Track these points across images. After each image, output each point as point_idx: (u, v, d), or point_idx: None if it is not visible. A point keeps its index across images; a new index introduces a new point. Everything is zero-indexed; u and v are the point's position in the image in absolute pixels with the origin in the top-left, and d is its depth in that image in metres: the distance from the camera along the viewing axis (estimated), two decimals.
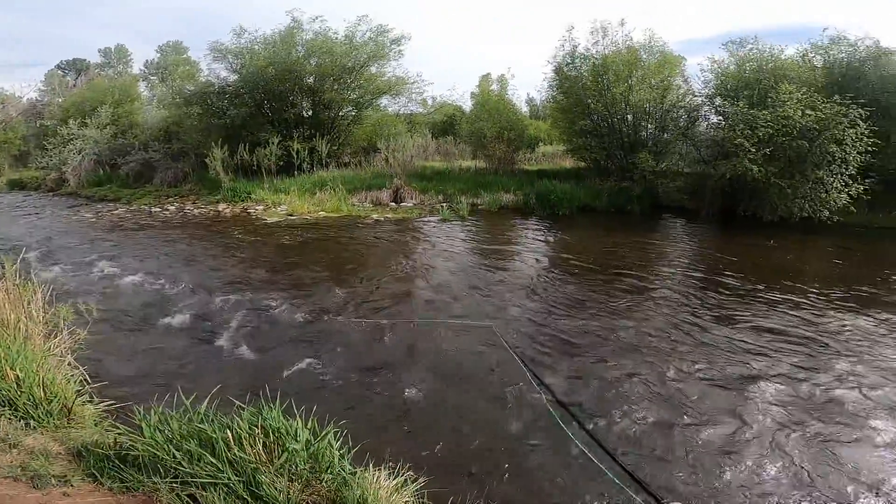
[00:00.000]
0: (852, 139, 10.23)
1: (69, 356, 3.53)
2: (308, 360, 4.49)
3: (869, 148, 10.25)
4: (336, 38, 15.32)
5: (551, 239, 10.03)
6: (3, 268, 3.59)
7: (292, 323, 5.43)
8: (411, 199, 13.33)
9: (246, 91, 15.44)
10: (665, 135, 14.17)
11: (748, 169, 10.30)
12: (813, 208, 10.44)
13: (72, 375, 3.26)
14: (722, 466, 3.12)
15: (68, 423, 2.63)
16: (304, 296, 6.25)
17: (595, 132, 14.03)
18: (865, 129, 10.19)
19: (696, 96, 13.89)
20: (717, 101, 13.06)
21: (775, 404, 3.87)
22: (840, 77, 12.48)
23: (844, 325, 5.51)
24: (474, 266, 7.79)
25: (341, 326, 5.30)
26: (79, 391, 3.09)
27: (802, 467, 3.13)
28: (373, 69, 15.86)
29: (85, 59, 39.04)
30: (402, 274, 7.37)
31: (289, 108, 15.58)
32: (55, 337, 3.59)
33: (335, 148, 15.79)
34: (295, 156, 14.27)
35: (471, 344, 4.95)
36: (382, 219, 11.54)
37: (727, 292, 6.62)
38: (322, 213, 11.94)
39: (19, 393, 2.55)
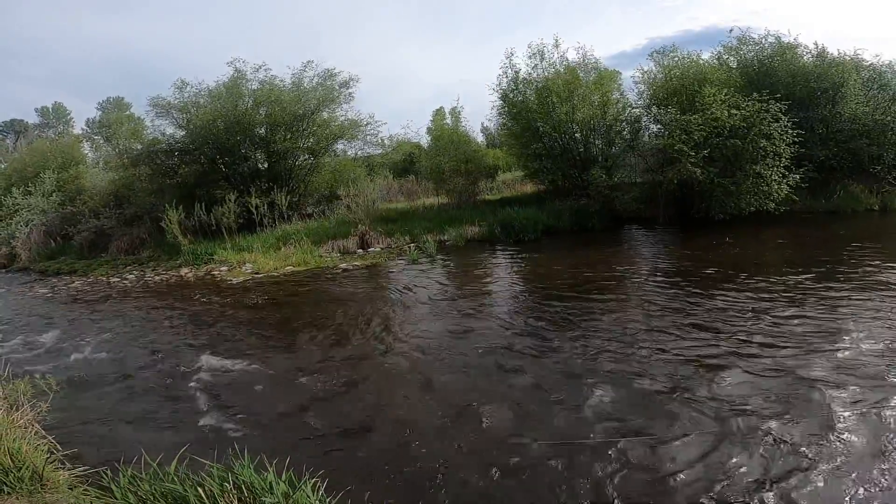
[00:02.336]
0: (779, 132, 10.96)
1: (35, 426, 3.59)
2: (277, 418, 4.30)
3: (796, 139, 10.99)
4: (283, 86, 15.42)
5: (519, 267, 10.15)
6: None
7: (258, 383, 5.23)
8: (378, 243, 13.29)
9: (196, 147, 15.11)
10: (613, 149, 14.84)
11: (692, 172, 10.84)
12: (758, 202, 11.01)
13: (38, 444, 3.30)
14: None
15: (42, 488, 2.66)
16: (269, 356, 6.06)
17: (548, 154, 14.51)
18: (788, 121, 10.95)
19: (634, 108, 14.69)
20: (654, 110, 13.82)
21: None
22: (754, 75, 13.48)
23: (808, 299, 5.72)
24: (443, 309, 7.70)
25: (309, 383, 5.13)
26: (49, 458, 3.12)
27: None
28: (324, 114, 15.92)
29: (23, 120, 38.06)
30: (369, 328, 7.24)
31: (242, 162, 15.38)
32: (16, 410, 3.67)
33: (295, 199, 15.69)
34: (255, 211, 14.10)
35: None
36: (351, 267, 11.41)
37: (693, 290, 6.81)
38: (289, 268, 11.71)
39: None
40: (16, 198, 17.19)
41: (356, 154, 18.13)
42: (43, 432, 3.54)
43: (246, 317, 8.11)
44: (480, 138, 24.77)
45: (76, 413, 4.62)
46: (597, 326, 5.93)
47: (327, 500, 2.45)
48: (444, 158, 15.71)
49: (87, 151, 23.95)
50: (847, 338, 4.93)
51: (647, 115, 14.47)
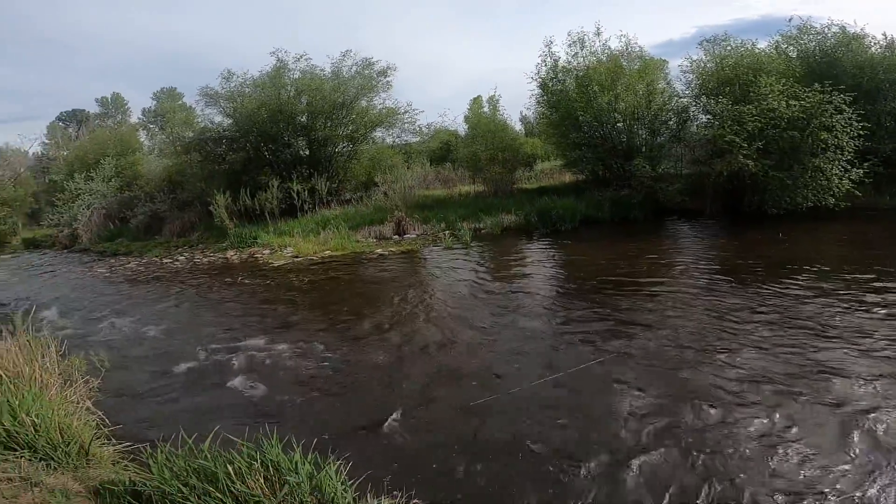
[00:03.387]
0: (841, 125, 10.26)
1: (87, 402, 3.74)
2: (312, 400, 4.47)
3: (861, 132, 10.25)
4: (323, 75, 15.74)
5: (555, 256, 10.02)
6: (14, 325, 3.76)
7: (294, 362, 5.44)
8: (414, 230, 13.41)
9: (241, 135, 15.69)
10: (658, 139, 14.31)
11: (743, 164, 10.32)
12: (816, 197, 10.37)
13: (88, 420, 3.43)
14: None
15: (87, 464, 2.78)
16: (306, 338, 6.27)
17: (588, 144, 14.15)
18: (852, 113, 10.21)
19: (681, 98, 14.09)
20: (703, 100, 13.20)
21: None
22: (816, 65, 12.63)
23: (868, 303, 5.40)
24: (479, 294, 7.73)
25: (349, 367, 5.28)
26: (96, 434, 3.25)
27: None
28: (363, 103, 16.17)
29: (84, 110, 40.30)
30: (405, 312, 7.35)
31: (285, 149, 15.89)
32: (70, 386, 3.79)
33: (335, 186, 16.06)
34: (296, 197, 14.54)
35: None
36: (387, 253, 11.59)
37: (739, 286, 6.54)
38: (327, 253, 12.04)
39: (37, 437, 2.71)
40: (78, 183, 18.41)
41: (394, 142, 18.34)
42: (93, 408, 3.69)
43: (285, 298, 8.42)
44: (519, 127, 24.39)
45: (124, 390, 4.87)
46: (639, 321, 5.80)
47: (349, 482, 2.50)
48: (480, 147, 15.61)
49: (143, 139, 25.29)
50: None
51: (695, 105, 13.87)
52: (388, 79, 16.25)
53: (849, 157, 10.34)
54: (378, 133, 17.54)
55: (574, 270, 8.57)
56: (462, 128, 21.11)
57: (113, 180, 18.74)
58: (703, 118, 13.72)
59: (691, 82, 13.99)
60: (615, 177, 14.08)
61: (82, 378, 3.97)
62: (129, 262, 13.63)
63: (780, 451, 3.11)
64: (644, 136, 14.34)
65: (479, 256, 10.51)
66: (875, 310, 5.44)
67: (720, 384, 4.09)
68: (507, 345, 5.46)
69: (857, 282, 6.36)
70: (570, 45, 14.34)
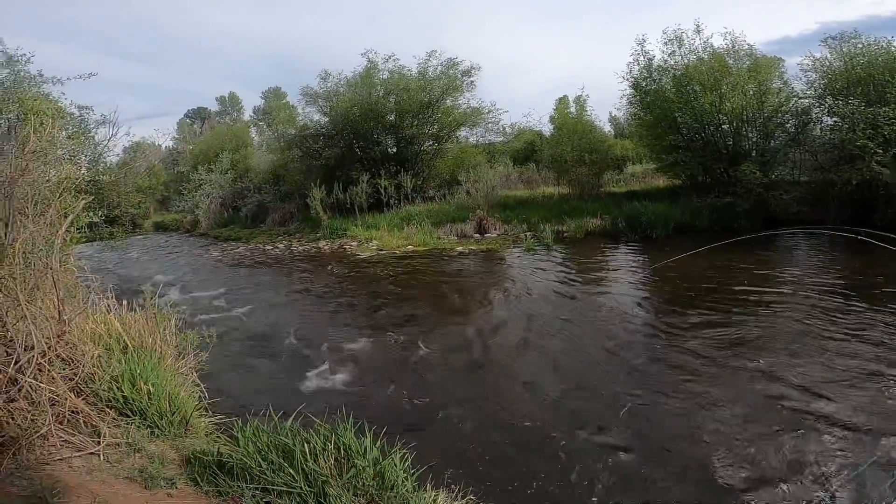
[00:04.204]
0: None
1: (193, 374, 4.04)
2: (390, 389, 4.68)
3: None
4: (410, 75, 16.23)
5: (643, 265, 9.44)
6: (144, 299, 4.27)
7: (382, 354, 5.72)
8: (495, 229, 13.41)
9: (336, 132, 16.65)
10: (771, 142, 12.82)
11: (878, 172, 8.91)
12: None
13: (193, 392, 3.73)
14: None
15: (185, 433, 3.02)
16: (387, 328, 6.56)
17: (687, 147, 13.08)
18: None
19: (801, 98, 12.47)
20: (829, 101, 11.57)
21: None
22: None
23: None
24: (559, 299, 7.54)
25: (419, 357, 5.47)
26: (197, 406, 3.53)
27: None
28: (448, 102, 16.45)
29: (206, 108, 45.56)
30: (480, 310, 7.40)
31: (374, 147, 16.67)
32: (183, 358, 4.12)
33: (419, 182, 16.57)
34: (383, 192, 15.23)
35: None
36: (467, 251, 11.73)
37: (861, 312, 5.70)
38: (410, 247, 12.47)
39: (149, 404, 2.99)
40: (200, 174, 20.95)
41: (477, 141, 18.48)
42: (198, 381, 3.96)
43: (370, 289, 8.89)
44: (608, 128, 23.21)
45: (226, 365, 5.38)
46: (737, 345, 5.30)
47: (412, 471, 2.57)
48: (566, 147, 15.12)
49: (253, 135, 27.97)
50: None
51: (818, 107, 12.20)
52: (471, 79, 16.43)
53: None
54: (462, 132, 17.81)
55: (660, 281, 7.99)
56: (547, 128, 20.61)
57: (228, 172, 21.05)
58: (829, 121, 12.05)
59: (814, 82, 12.32)
60: (717, 182, 12.86)
61: (193, 352, 4.25)
62: (238, 248, 15.27)
63: None
64: (754, 140, 12.93)
65: (562, 260, 10.23)
66: None
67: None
68: (585, 355, 5.29)
69: None
70: (665, 44, 13.36)
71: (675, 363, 4.86)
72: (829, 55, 12.14)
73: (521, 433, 3.77)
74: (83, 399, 2.66)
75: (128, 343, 3.41)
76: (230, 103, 46.23)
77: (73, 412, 2.56)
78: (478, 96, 19.51)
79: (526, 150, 21.26)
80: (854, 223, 10.38)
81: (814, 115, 12.40)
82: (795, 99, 12.55)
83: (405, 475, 2.43)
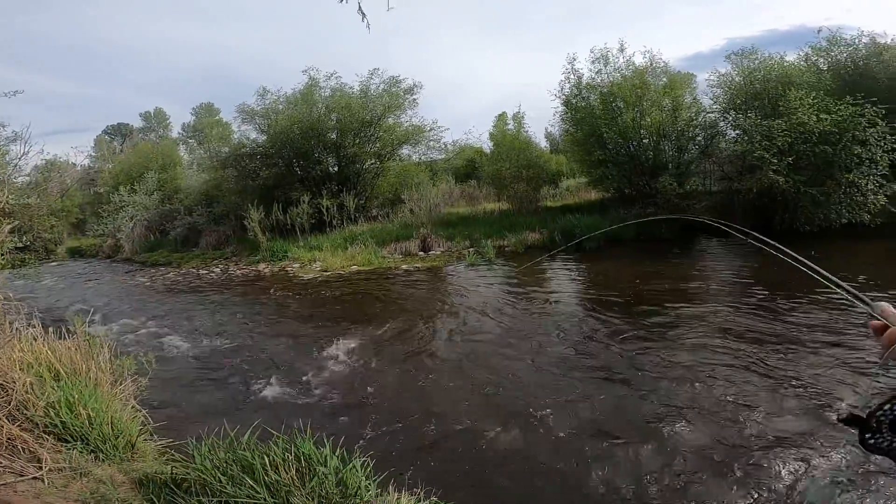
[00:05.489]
0: (875, 138, 9.97)
1: (133, 400, 3.92)
2: (343, 402, 4.67)
3: (894, 146, 9.96)
4: (352, 93, 16.26)
5: (578, 275, 10.04)
6: (74, 326, 4.03)
7: (323, 369, 5.66)
8: (439, 246, 13.62)
9: (275, 151, 16.24)
10: (685, 155, 14.16)
11: (774, 181, 10.14)
12: (851, 213, 10.07)
13: (135, 416, 3.63)
14: None
15: (132, 457, 2.96)
16: (334, 346, 6.49)
17: (613, 161, 14.12)
18: (886, 126, 9.94)
19: (709, 112, 13.92)
20: (731, 114, 13.02)
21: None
22: (847, 77, 12.32)
23: None
24: (498, 312, 7.80)
25: (369, 373, 5.48)
26: (142, 429, 3.44)
27: None
28: (390, 120, 16.59)
29: (128, 124, 42.55)
30: (426, 326, 7.52)
31: (315, 166, 16.40)
32: (120, 384, 4.00)
33: (362, 202, 16.50)
34: (325, 212, 15.01)
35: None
36: (412, 268, 11.82)
37: (767, 306, 6.44)
38: (355, 267, 12.35)
39: (90, 429, 2.90)
40: (122, 195, 19.50)
41: (419, 159, 18.74)
42: (138, 406, 3.86)
43: (315, 309, 8.73)
44: (544, 144, 24.50)
45: (169, 390, 5.21)
46: (658, 342, 5.79)
47: (374, 476, 2.65)
48: (505, 164, 15.76)
49: (182, 154, 26.56)
50: None
51: (723, 120, 13.68)
52: (414, 96, 16.71)
53: (884, 172, 10.02)
54: (404, 150, 17.98)
55: (594, 289, 8.56)
56: (487, 145, 21.42)
57: (155, 193, 19.78)
58: (732, 133, 13.50)
59: (719, 97, 13.83)
60: (641, 194, 13.95)
61: (131, 377, 4.15)
62: (169, 273, 14.33)
63: None
64: (671, 153, 14.21)
65: (502, 273, 10.61)
66: None
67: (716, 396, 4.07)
68: (522, 359, 5.55)
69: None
70: (593, 62, 14.45)
71: (600, 357, 5.24)
72: (731, 70, 13.69)
73: (470, 434, 3.91)
74: (18, 425, 2.48)
75: (60, 370, 3.26)
76: (156, 119, 43.66)
77: (9, 439, 2.43)
78: (420, 114, 19.85)
79: (467, 167, 21.89)
80: (757, 228, 11.71)
81: (720, 129, 13.86)
82: (704, 113, 13.98)
83: (367, 481, 2.48)
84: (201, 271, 14.03)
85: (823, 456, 3.29)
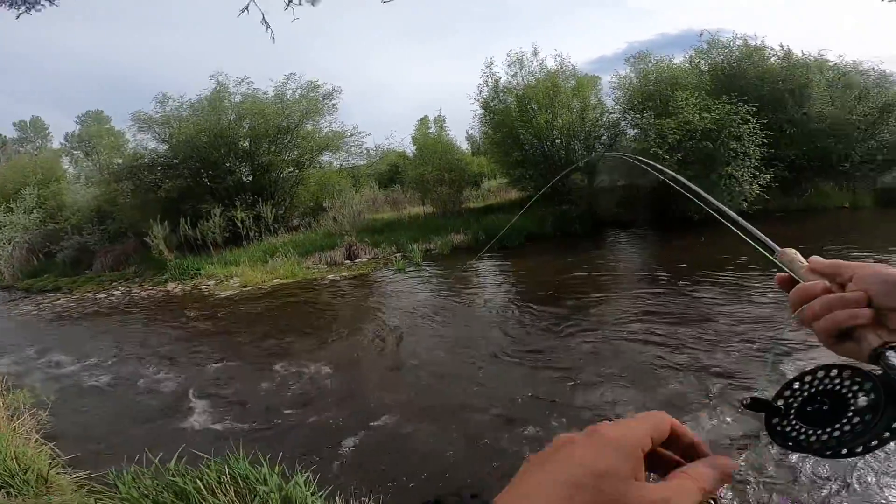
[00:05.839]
0: (748, 134, 11.36)
1: (35, 434, 3.77)
2: (269, 419, 4.44)
3: (765, 140, 11.42)
4: (266, 99, 15.56)
5: (502, 273, 10.40)
6: None
7: (249, 387, 5.35)
8: (365, 254, 13.42)
9: (179, 161, 15.13)
10: (592, 154, 15.17)
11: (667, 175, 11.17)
12: (732, 202, 11.37)
13: (42, 450, 3.49)
14: None
15: (48, 490, 2.81)
16: (258, 363, 6.17)
17: (530, 161, 14.78)
18: (756, 122, 11.37)
19: (611, 113, 15.07)
20: (630, 114, 14.17)
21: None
22: (724, 78, 13.94)
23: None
24: (427, 314, 7.83)
25: (307, 388, 5.26)
26: (52, 463, 3.27)
27: None
28: (308, 126, 16.10)
29: (1, 135, 37.50)
30: (355, 334, 7.39)
31: (227, 176, 15.44)
32: (18, 419, 3.84)
33: (281, 212, 15.79)
34: (240, 225, 14.17)
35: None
36: (339, 278, 11.53)
37: (667, 287, 7.09)
38: (277, 281, 11.79)
39: None
40: None
41: (341, 165, 18.33)
42: (43, 440, 3.69)
43: (236, 328, 8.20)
44: (466, 146, 25.03)
45: (73, 422, 4.76)
46: (581, 327, 6.15)
47: (318, 492, 2.60)
48: (427, 168, 15.90)
49: (66, 166, 23.77)
50: None
51: (624, 120, 14.85)
52: (333, 102, 16.34)
53: (756, 164, 11.45)
54: (325, 157, 17.52)
55: (520, 284, 8.93)
56: (411, 149, 21.46)
57: (35, 211, 17.47)
58: (632, 132, 14.69)
59: (619, 98, 15.00)
60: (556, 193, 14.71)
61: (29, 412, 3.98)
62: (59, 299, 12.74)
63: None
64: (580, 152, 15.14)
65: (430, 276, 10.70)
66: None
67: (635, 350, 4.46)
68: (455, 354, 5.64)
69: (767, 275, 7.07)
70: (509, 66, 15.07)
71: (533, 347, 5.49)
72: (630, 73, 14.90)
73: (413, 438, 3.90)
74: None
75: None
76: (33, 129, 38.62)
77: None
78: (339, 119, 19.41)
79: (391, 172, 21.76)
80: (656, 219, 12.99)
81: (622, 128, 15.04)
82: (607, 114, 15.09)
83: (314, 497, 2.43)
84: (98, 295, 12.62)
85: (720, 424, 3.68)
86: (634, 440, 0.34)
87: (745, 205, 11.26)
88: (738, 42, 14.81)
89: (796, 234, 10.20)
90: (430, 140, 17.47)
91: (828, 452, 0.42)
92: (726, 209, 0.75)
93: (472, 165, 19.07)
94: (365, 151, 18.36)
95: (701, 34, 15.54)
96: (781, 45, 14.84)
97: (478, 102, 15.80)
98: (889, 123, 14.03)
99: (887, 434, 0.40)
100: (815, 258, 0.57)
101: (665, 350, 5.12)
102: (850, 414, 0.42)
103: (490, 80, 15.38)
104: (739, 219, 0.73)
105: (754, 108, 11.54)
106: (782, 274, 0.60)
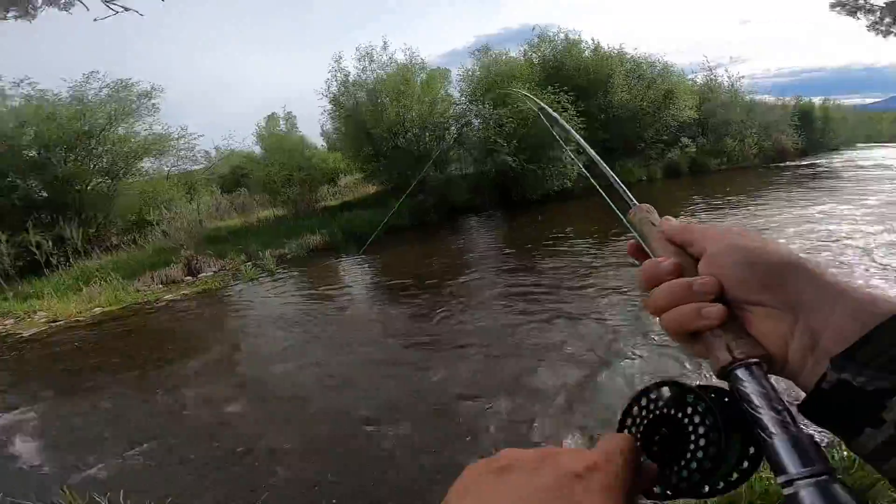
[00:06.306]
0: (567, 120, 12.92)
1: None
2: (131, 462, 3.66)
3: (581, 126, 13.10)
4: (58, 101, 13.05)
5: (365, 269, 10.24)
6: None
7: (72, 434, 4.37)
8: (209, 267, 12.02)
9: None
10: (443, 144, 15.78)
11: (505, 162, 12.17)
12: (559, 182, 12.88)
13: None
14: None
15: None
16: (93, 405, 5.10)
17: (383, 154, 14.76)
18: (574, 110, 12.99)
19: (458, 105, 15.84)
20: (475, 106, 15.07)
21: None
22: (550, 69, 15.66)
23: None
24: (288, 323, 7.30)
25: (158, 427, 4.46)
26: None
27: None
28: (120, 130, 13.83)
29: None
30: (206, 358, 6.59)
31: (9, 193, 12.54)
32: None
33: (93, 231, 13.34)
34: (36, 251, 11.60)
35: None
36: (179, 297, 10.13)
37: (515, 262, 7.71)
38: (98, 310, 9.89)
39: None
40: None
41: (170, 172, 16.10)
42: None
43: (49, 372, 6.67)
44: (322, 142, 23.97)
45: None
46: (445, 312, 6.34)
47: None
48: (275, 168, 14.88)
49: None
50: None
51: (469, 111, 15.68)
52: (153, 101, 14.19)
53: (573, 148, 13.04)
54: (147, 164, 15.17)
55: (383, 279, 8.90)
56: (259, 149, 19.78)
57: None
58: (476, 122, 15.59)
59: (465, 90, 15.80)
60: (410, 184, 14.95)
61: None
62: None
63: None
64: (432, 143, 15.58)
65: (287, 283, 10.04)
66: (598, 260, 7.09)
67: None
68: (335, 364, 5.37)
69: (600, 237, 8.17)
70: (358, 60, 14.83)
71: (405, 339, 5.51)
72: (474, 66, 15.74)
73: (293, 458, 3.55)
74: None
75: None
76: None
77: None
78: (165, 121, 16.74)
79: (235, 175, 19.85)
80: (502, 202, 14.09)
81: (468, 119, 15.82)
82: (455, 105, 15.77)
83: None
84: None
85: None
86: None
87: (569, 183, 12.81)
88: (562, 37, 16.67)
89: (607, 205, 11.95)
90: (275, 137, 16.33)
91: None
92: (593, 154, 0.67)
93: (329, 161, 18.35)
94: (197, 155, 16.41)
95: (534, 28, 17.14)
96: (593, 39, 17.15)
97: (326, 98, 15.26)
98: (670, 108, 17.18)
99: (745, 466, 0.33)
100: (668, 220, 0.45)
101: (530, 324, 5.56)
102: (692, 447, 0.33)
103: (339, 74, 14.95)
104: (601, 161, 0.64)
105: (573, 97, 13.11)
106: (633, 243, 0.48)
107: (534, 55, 16.82)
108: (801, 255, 0.35)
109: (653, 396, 0.36)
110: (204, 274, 11.75)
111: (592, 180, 0.68)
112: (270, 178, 14.77)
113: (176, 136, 15.07)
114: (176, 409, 4.86)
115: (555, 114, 0.83)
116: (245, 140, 25.24)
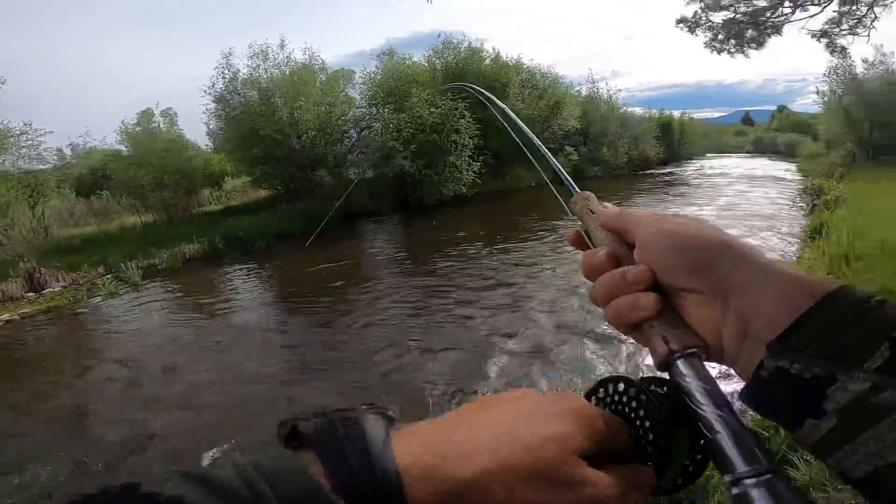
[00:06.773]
0: (465, 127, 13.28)
1: None
2: None
3: (478, 132, 13.53)
4: None
5: (250, 279, 9.43)
6: None
7: None
8: (58, 281, 10.32)
9: None
10: (340, 148, 15.26)
11: (403, 167, 12.13)
12: (455, 188, 13.15)
13: None
14: None
15: None
16: None
17: (273, 157, 13.86)
18: (471, 117, 13.37)
19: (358, 108, 15.41)
20: (374, 109, 14.80)
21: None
22: (452, 76, 15.98)
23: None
24: (156, 345, 6.35)
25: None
26: None
27: None
28: None
29: None
30: (53, 395, 5.50)
31: None
32: None
33: None
34: None
35: None
36: (17, 317, 8.50)
37: (410, 265, 7.65)
38: None
39: None
40: None
41: (8, 172, 13.54)
42: None
43: None
44: (207, 142, 21.78)
45: None
46: (348, 319, 6.04)
47: None
48: (144, 169, 13.21)
49: None
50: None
51: (369, 115, 15.32)
52: None
53: (470, 154, 13.47)
54: None
55: (274, 289, 8.30)
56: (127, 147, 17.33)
57: None
58: (376, 126, 15.27)
59: (366, 93, 15.43)
60: (303, 189, 14.28)
61: None
62: None
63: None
64: (328, 147, 14.97)
65: (158, 298, 8.88)
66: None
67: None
68: (222, 388, 4.74)
69: (489, 242, 8.42)
70: (251, 58, 13.75)
71: (303, 354, 5.09)
72: (376, 70, 15.41)
73: None
74: None
75: None
76: None
77: None
78: (8, 114, 13.91)
79: (95, 176, 17.32)
80: (399, 206, 13.99)
81: (367, 122, 15.45)
82: (355, 108, 15.31)
83: None
84: None
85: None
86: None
87: (464, 189, 13.15)
88: (465, 44, 17.01)
89: (490, 209, 12.48)
90: (144, 135, 14.51)
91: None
92: (534, 137, 0.64)
93: (212, 163, 16.79)
94: (54, 153, 14.03)
95: (439, 35, 17.25)
96: (493, 48, 17.78)
97: (210, 96, 13.91)
98: (557, 118, 18.45)
99: (699, 458, 0.32)
100: (604, 207, 0.43)
101: (429, 324, 5.48)
102: (643, 442, 0.32)
103: (227, 71, 13.71)
104: (548, 153, 0.63)
105: (469, 104, 13.41)
106: (573, 233, 0.45)
107: (437, 61, 16.99)
108: (733, 236, 0.33)
109: (601, 395, 0.35)
110: (50, 289, 10.08)
111: (542, 173, 0.70)
112: (137, 179, 13.08)
113: (16, 133, 12.72)
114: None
115: (506, 107, 0.81)
116: (106, 138, 22.10)
